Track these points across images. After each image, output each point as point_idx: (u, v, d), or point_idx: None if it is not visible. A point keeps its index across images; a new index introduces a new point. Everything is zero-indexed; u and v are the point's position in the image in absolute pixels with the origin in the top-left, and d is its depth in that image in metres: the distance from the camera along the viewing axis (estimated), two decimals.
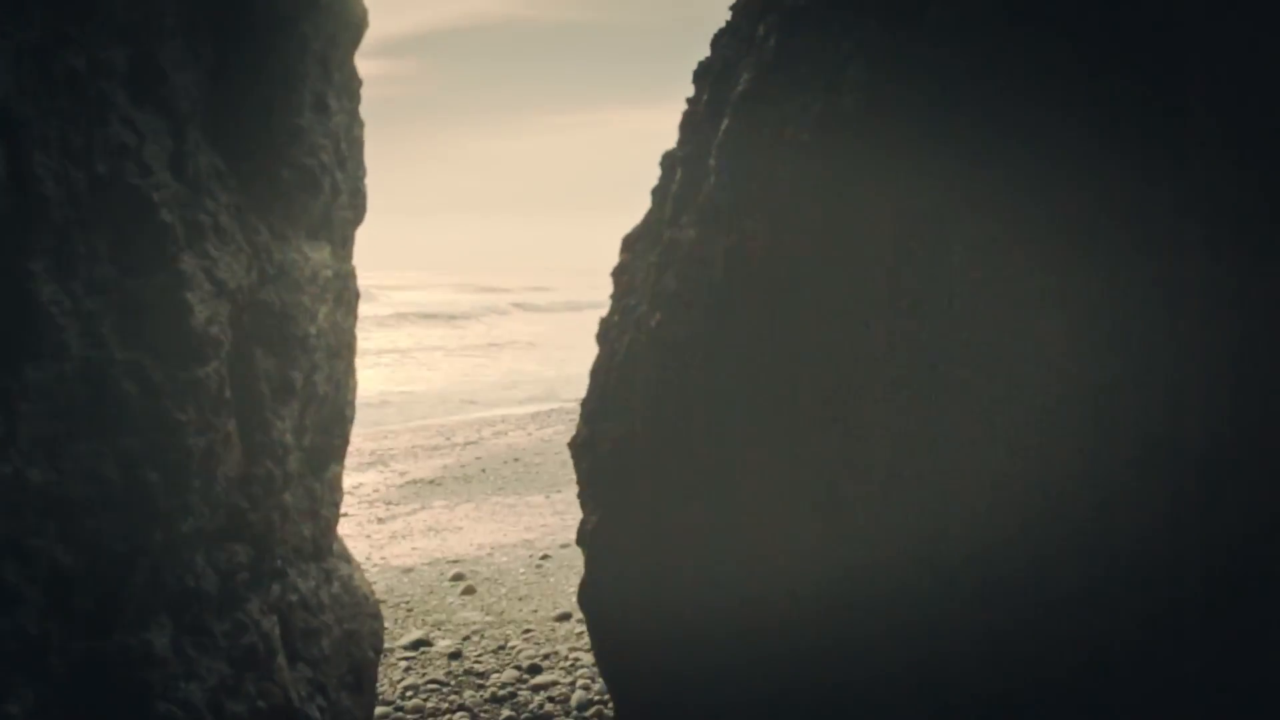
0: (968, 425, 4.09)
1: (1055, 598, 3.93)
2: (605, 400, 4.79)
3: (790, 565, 4.15)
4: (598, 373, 4.96)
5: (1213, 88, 3.60)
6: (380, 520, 13.87)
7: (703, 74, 4.73)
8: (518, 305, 65.72)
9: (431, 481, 15.79)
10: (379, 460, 17.40)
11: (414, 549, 12.53)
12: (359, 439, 19.71)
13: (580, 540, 5.09)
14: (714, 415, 4.25)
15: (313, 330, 5.03)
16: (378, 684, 8.41)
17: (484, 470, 16.40)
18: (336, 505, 6.27)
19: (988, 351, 4.04)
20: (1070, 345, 3.88)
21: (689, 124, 4.76)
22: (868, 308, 4.01)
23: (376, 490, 15.38)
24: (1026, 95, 3.84)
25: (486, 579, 11.15)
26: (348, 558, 6.59)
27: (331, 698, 5.57)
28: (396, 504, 14.61)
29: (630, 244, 4.93)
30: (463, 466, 16.76)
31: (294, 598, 5.42)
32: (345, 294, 5.69)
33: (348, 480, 16.36)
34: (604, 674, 5.24)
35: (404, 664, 8.85)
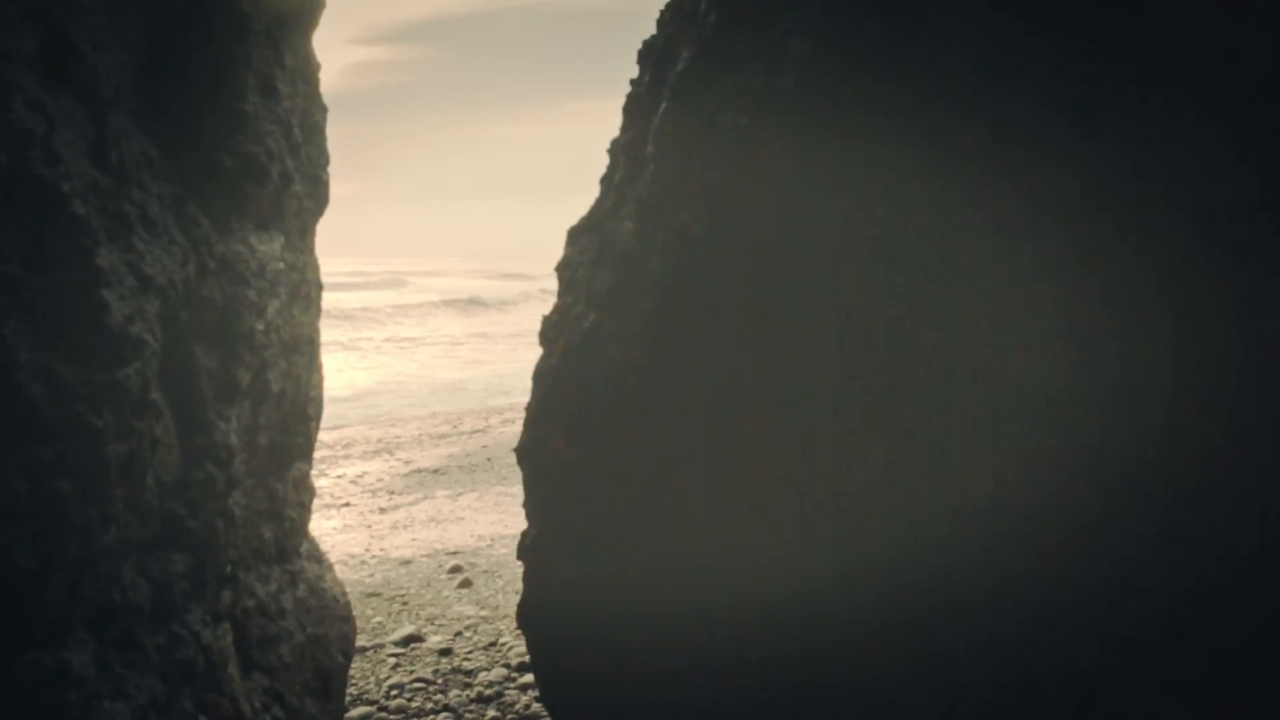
0: (945, 428, 3.80)
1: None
2: (543, 406, 4.49)
3: (741, 574, 3.86)
4: (538, 376, 4.65)
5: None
6: (382, 510, 13.65)
7: (646, 53, 4.38)
8: (545, 291, 65.62)
9: (436, 471, 15.56)
10: (385, 449, 17.18)
11: (414, 540, 12.30)
12: (365, 428, 19.56)
13: (520, 553, 4.79)
14: (651, 425, 3.94)
15: (260, 326, 4.75)
16: (364, 682, 8.22)
17: (489, 459, 16.15)
18: (304, 505, 6.01)
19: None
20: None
21: (631, 108, 4.42)
22: (820, 305, 3.70)
23: (380, 480, 15.17)
24: (992, 78, 3.52)
25: (484, 571, 10.90)
26: (318, 558, 6.33)
27: (292, 705, 5.32)
28: (400, 494, 14.39)
29: (574, 237, 4.60)
30: (468, 455, 16.51)
31: (250, 603, 5.16)
32: (303, 287, 5.40)
33: (352, 469, 16.23)
34: (546, 704, 4.93)
35: (393, 660, 8.62)
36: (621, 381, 3.95)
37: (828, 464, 3.81)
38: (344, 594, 6.32)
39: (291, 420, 5.57)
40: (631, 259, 3.97)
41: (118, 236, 3.87)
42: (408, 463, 16.05)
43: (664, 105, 3.99)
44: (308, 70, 5.37)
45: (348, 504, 13.94)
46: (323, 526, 13.10)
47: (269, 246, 4.88)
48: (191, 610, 4.38)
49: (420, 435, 18.45)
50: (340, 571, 11.48)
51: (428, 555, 11.67)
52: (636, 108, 4.36)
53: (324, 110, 5.67)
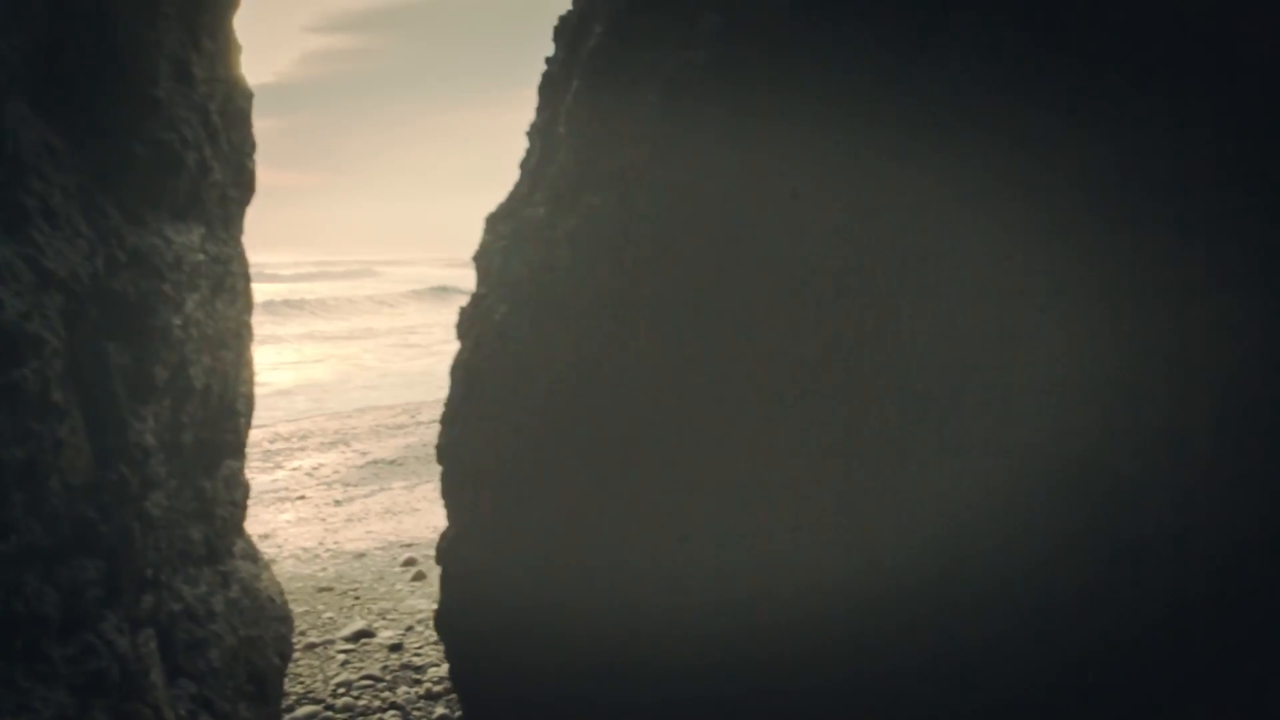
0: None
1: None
2: (458, 402, 4.30)
3: (648, 584, 3.68)
4: (454, 371, 4.45)
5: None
6: (337, 503, 13.41)
7: (561, 29, 4.15)
8: None
9: (392, 462, 15.32)
10: (342, 440, 16.92)
11: (368, 532, 12.08)
12: (323, 419, 19.26)
13: (439, 556, 4.60)
14: (566, 426, 3.76)
15: (178, 321, 4.53)
16: (312, 680, 8.01)
17: None
18: (236, 504, 5.80)
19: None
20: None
21: (546, 88, 4.21)
22: (746, 295, 3.52)
23: (336, 471, 14.91)
24: (930, 56, 3.35)
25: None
26: (254, 557, 6.13)
27: (223, 711, 5.12)
28: (355, 485, 14.14)
29: (492, 224, 4.39)
30: (425, 446, 16.25)
31: (176, 607, 4.95)
32: (227, 280, 5.19)
33: (309, 461, 15.96)
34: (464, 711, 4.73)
35: (342, 657, 8.42)
36: (534, 379, 3.76)
37: (772, 463, 3.64)
38: (281, 594, 6.12)
39: (220, 417, 5.36)
40: (542, 248, 3.77)
41: (13, 229, 3.65)
42: (364, 454, 15.80)
43: (575, 84, 3.79)
44: (228, 54, 5.15)
45: (303, 497, 13.69)
46: (277, 520, 12.85)
47: (186, 238, 4.66)
48: (106, 618, 4.17)
49: (377, 426, 18.18)
50: (293, 566, 11.28)
51: (382, 548, 11.46)
52: (550, 88, 4.14)
53: (248, 96, 5.45)
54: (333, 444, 16.68)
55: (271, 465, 15.38)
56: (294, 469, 15.15)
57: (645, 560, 3.90)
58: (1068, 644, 3.67)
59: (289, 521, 12.78)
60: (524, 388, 3.84)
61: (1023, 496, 3.67)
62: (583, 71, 3.78)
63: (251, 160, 5.48)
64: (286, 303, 50.44)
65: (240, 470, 5.81)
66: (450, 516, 4.50)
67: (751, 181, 3.37)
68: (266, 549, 11.77)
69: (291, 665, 8.33)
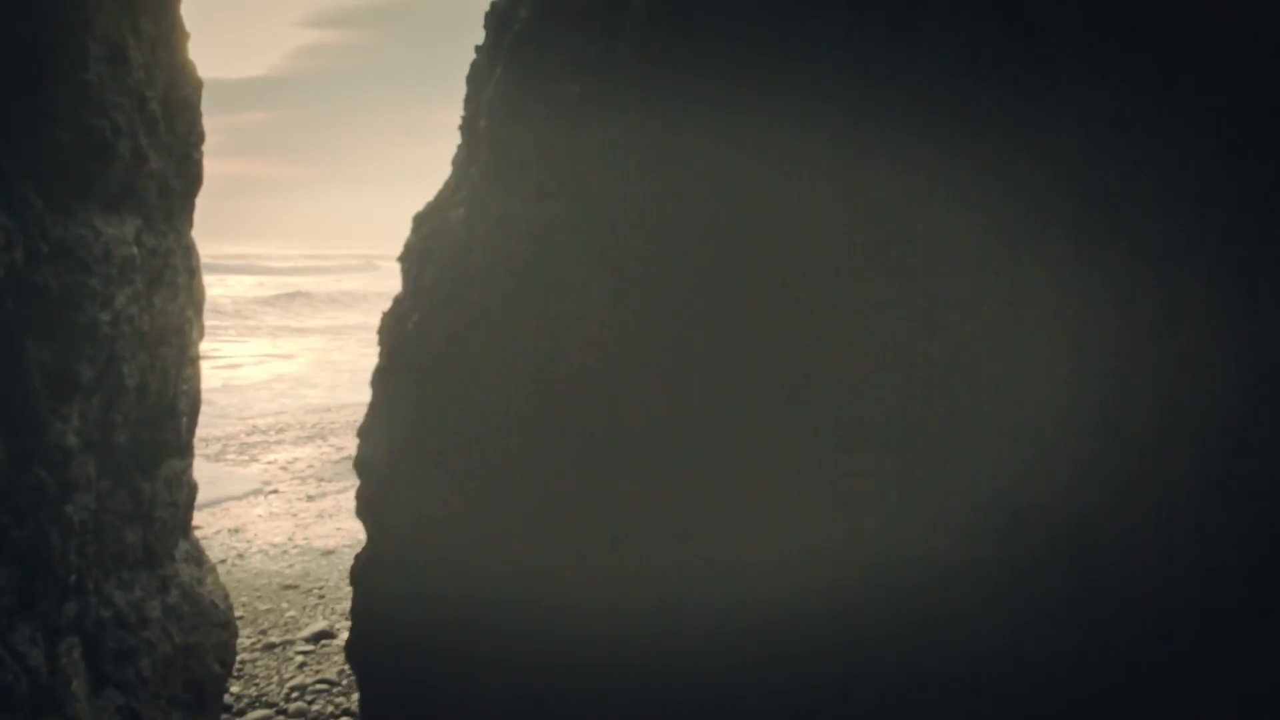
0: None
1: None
2: (373, 413, 4.04)
3: (569, 597, 3.44)
4: (373, 380, 4.19)
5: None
6: (310, 498, 13.15)
7: (491, 13, 3.88)
8: None
9: None
10: (319, 434, 16.64)
11: (339, 529, 11.83)
12: (302, 413, 18.97)
13: (353, 578, 4.34)
14: (469, 438, 3.51)
15: (106, 317, 4.26)
16: (267, 682, 7.75)
17: None
18: (178, 505, 5.53)
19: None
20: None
21: (473, 78, 3.91)
22: (682, 298, 3.27)
23: (310, 466, 14.64)
24: (868, 35, 3.11)
25: None
26: (199, 559, 5.86)
27: None
28: (329, 480, 13.88)
29: (418, 223, 4.11)
30: None
31: (105, 614, 4.69)
32: (167, 274, 4.92)
33: (284, 455, 15.69)
34: None
35: (300, 659, 8.16)
36: (441, 393, 3.50)
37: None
38: (225, 598, 5.85)
39: (159, 416, 5.09)
40: (458, 251, 3.51)
41: None
42: (340, 449, 15.52)
43: (498, 73, 3.52)
44: (173, 39, 4.87)
45: (275, 491, 13.43)
46: (248, 514, 12.60)
47: (118, 230, 4.39)
48: (17, 628, 3.91)
49: (356, 421, 17.89)
50: (260, 562, 11.02)
51: (350, 546, 11.18)
52: (477, 79, 3.86)
53: (197, 84, 5.18)
54: (309, 438, 16.41)
55: (247, 459, 15.11)
56: (269, 462, 14.89)
57: (605, 571, 3.67)
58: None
59: (260, 516, 12.52)
60: (437, 401, 3.58)
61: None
62: (505, 61, 3.52)
63: (199, 151, 5.21)
64: (286, 295, 50.00)
65: (185, 471, 5.54)
66: (368, 534, 4.23)
67: (684, 181, 3.12)
68: (236, 544, 11.51)
69: (248, 666, 8.07)
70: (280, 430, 16.98)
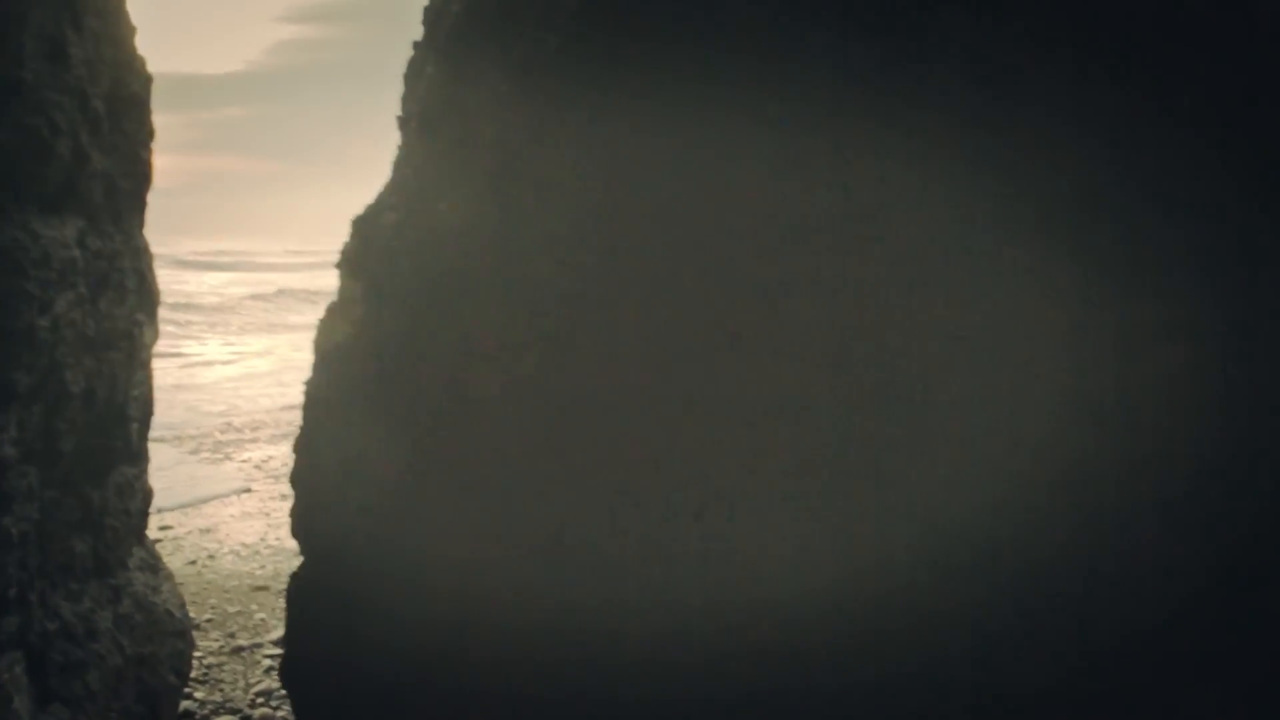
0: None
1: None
2: (308, 428, 3.88)
3: (503, 610, 3.31)
4: (306, 391, 4.02)
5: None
6: (284, 497, 12.91)
7: (428, 10, 3.69)
8: None
9: None
10: (293, 432, 16.38)
11: None
12: (278, 411, 18.73)
13: (289, 596, 4.17)
14: (396, 450, 3.36)
15: (45, 322, 4.08)
16: (232, 687, 7.58)
17: None
18: (131, 512, 5.35)
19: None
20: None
21: (409, 75, 3.74)
22: (625, 304, 3.13)
23: (285, 464, 14.34)
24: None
25: None
26: (154, 567, 5.68)
27: None
28: None
29: (356, 227, 3.93)
30: None
31: (51, 627, 4.51)
32: (114, 277, 4.73)
33: (258, 453, 15.46)
34: None
35: (268, 662, 7.98)
36: (373, 404, 3.34)
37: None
38: (182, 606, 5.68)
39: (108, 423, 4.91)
40: (388, 260, 3.35)
41: None
42: None
43: (429, 70, 3.36)
44: (118, 34, 4.68)
45: (248, 490, 13.21)
46: (220, 514, 12.39)
47: (59, 232, 4.20)
48: None
49: None
50: (231, 563, 10.82)
51: None
52: (413, 75, 3.69)
53: (146, 80, 4.99)
54: (285, 436, 16.16)
55: (221, 457, 14.89)
56: (243, 461, 14.67)
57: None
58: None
59: (233, 516, 12.32)
60: (365, 418, 3.42)
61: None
62: (437, 58, 3.36)
63: (148, 150, 5.02)
64: (269, 292, 49.45)
65: (138, 477, 5.36)
66: (303, 550, 4.06)
67: (622, 178, 2.98)
68: (207, 544, 11.31)
69: (214, 670, 7.90)
70: (255, 428, 16.75)
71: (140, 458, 5.37)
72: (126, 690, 4.96)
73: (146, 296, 5.24)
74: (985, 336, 3.45)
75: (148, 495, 5.56)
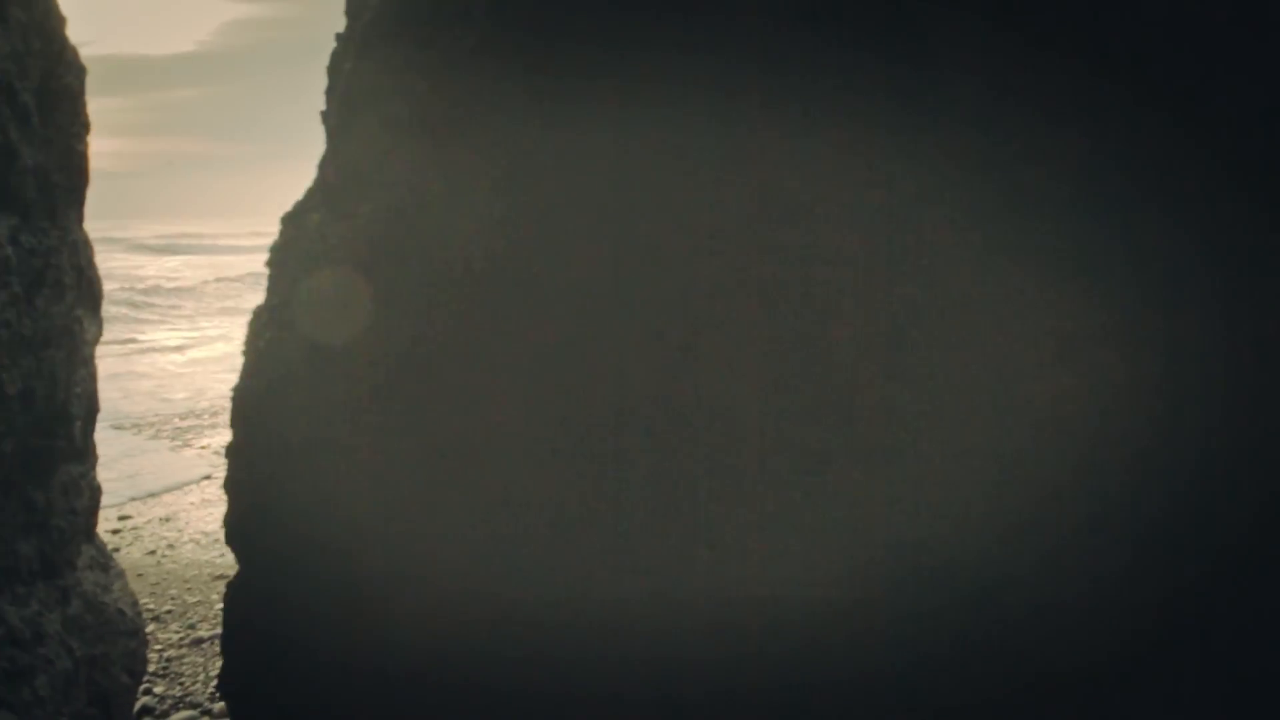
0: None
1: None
2: (240, 429, 3.77)
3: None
4: (235, 396, 3.90)
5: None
6: None
7: (350, 1, 3.56)
8: None
9: None
10: None
11: None
12: None
13: (226, 600, 4.07)
14: (319, 455, 3.27)
15: None
16: (192, 680, 7.46)
17: None
18: (78, 511, 5.22)
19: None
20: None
21: (333, 69, 3.57)
22: (567, 302, 3.04)
23: None
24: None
25: None
26: (105, 565, 5.56)
27: None
28: None
29: (285, 224, 3.80)
30: None
31: None
32: (50, 274, 4.59)
33: (218, 439, 15.25)
34: None
35: None
36: (306, 416, 3.24)
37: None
38: (134, 604, 5.56)
39: (50, 422, 4.78)
40: (308, 261, 3.24)
41: None
42: None
43: (349, 66, 3.25)
44: (48, 25, 4.52)
45: (209, 477, 13.02)
46: (180, 502, 12.22)
47: None
48: None
49: None
50: (191, 551, 10.67)
51: None
52: (336, 69, 3.56)
53: (79, 71, 4.83)
54: None
55: (181, 444, 14.68)
56: (203, 447, 14.47)
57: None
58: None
59: (194, 504, 12.15)
60: (285, 423, 3.32)
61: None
62: (358, 50, 3.24)
63: (83, 142, 4.87)
64: (235, 276, 48.69)
65: (84, 475, 5.23)
66: (238, 555, 3.95)
67: (540, 180, 2.88)
68: (167, 533, 11.15)
69: (174, 663, 7.79)
70: (215, 414, 16.52)
71: (86, 455, 5.23)
72: (77, 693, 4.86)
73: (87, 292, 5.10)
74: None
75: (96, 492, 5.43)
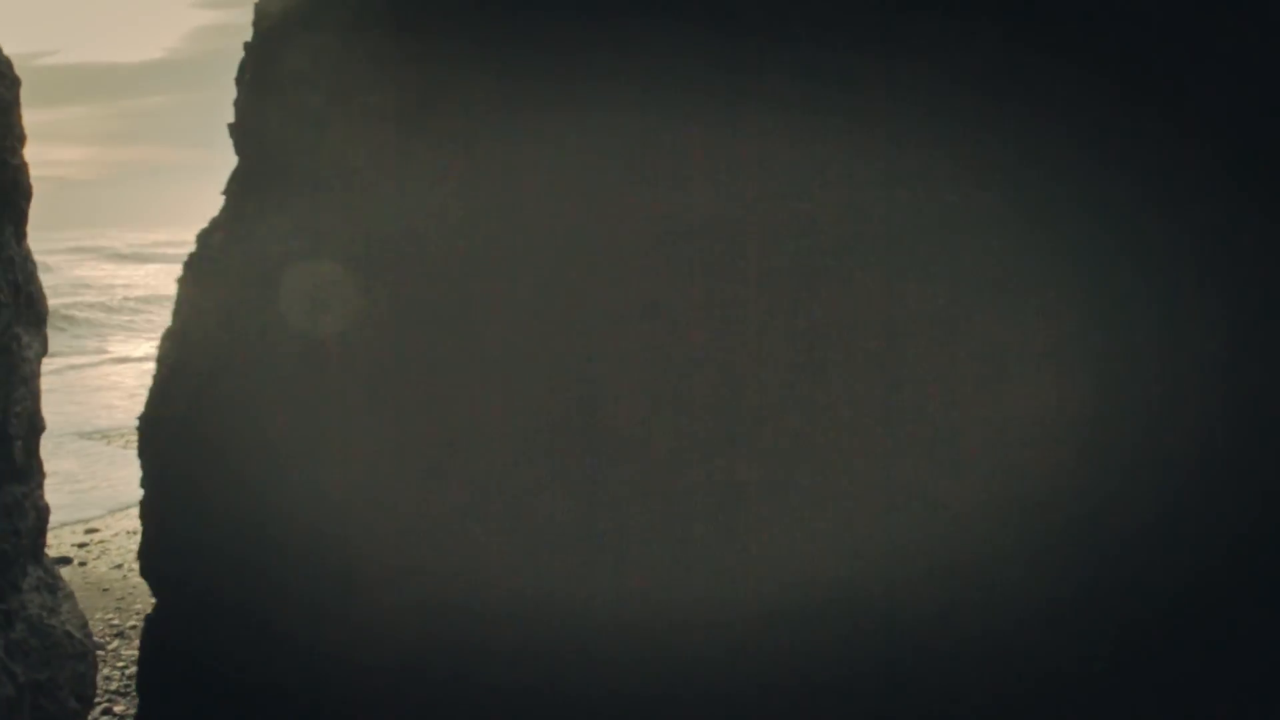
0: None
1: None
2: (153, 452, 3.63)
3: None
4: (140, 423, 3.76)
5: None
6: None
7: (257, 9, 3.39)
8: None
9: None
10: None
11: None
12: None
13: (145, 644, 3.92)
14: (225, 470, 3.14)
15: None
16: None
17: None
18: (21, 533, 5.05)
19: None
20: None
21: (240, 80, 3.37)
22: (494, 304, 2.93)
23: None
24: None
25: None
26: (53, 587, 5.39)
27: None
28: None
29: (200, 242, 3.60)
30: None
31: None
32: None
33: None
34: None
35: None
36: (195, 423, 3.11)
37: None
38: (83, 626, 5.39)
39: None
40: (210, 284, 3.10)
41: None
42: None
43: (248, 77, 3.10)
44: None
45: None
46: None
47: None
48: None
49: None
50: None
51: None
52: (240, 79, 3.39)
53: (11, 83, 4.66)
54: None
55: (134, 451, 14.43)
56: None
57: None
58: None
59: None
60: (189, 437, 3.18)
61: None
62: (255, 60, 3.10)
63: (18, 156, 4.70)
64: None
65: (28, 495, 5.06)
66: (156, 594, 3.80)
67: (449, 186, 2.76)
68: (135, 546, 10.90)
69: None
70: None
71: (30, 475, 5.07)
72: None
73: (28, 308, 4.94)
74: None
75: (43, 512, 5.26)
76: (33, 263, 5.10)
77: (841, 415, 3.27)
